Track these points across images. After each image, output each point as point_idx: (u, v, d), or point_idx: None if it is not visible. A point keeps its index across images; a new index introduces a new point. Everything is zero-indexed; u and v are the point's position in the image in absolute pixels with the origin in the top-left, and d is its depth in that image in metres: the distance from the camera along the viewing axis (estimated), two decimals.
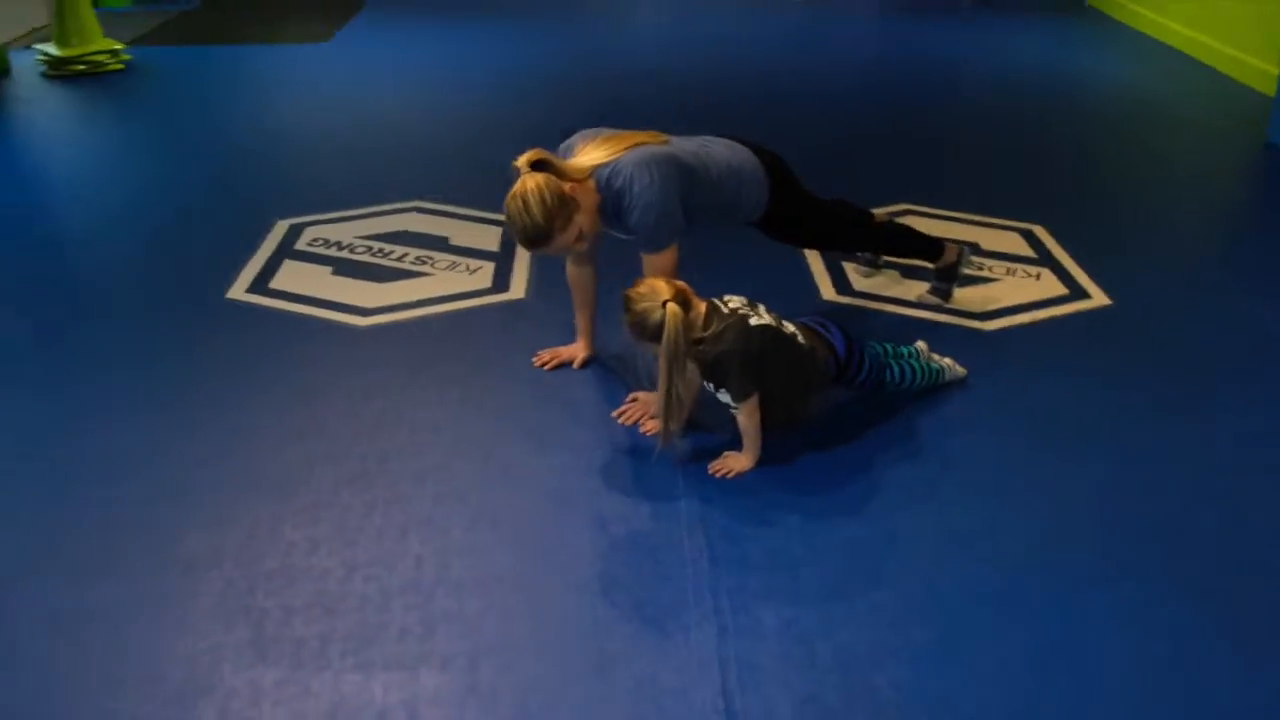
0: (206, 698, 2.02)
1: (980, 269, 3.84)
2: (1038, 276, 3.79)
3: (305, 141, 5.14)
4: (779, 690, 2.07)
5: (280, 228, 4.07)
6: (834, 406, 2.96)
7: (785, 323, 2.75)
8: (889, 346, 3.01)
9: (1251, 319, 3.48)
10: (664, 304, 2.55)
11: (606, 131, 2.92)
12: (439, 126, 5.26)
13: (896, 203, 4.38)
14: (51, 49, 6.14)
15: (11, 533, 2.46)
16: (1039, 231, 4.14)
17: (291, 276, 3.68)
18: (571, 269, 3.12)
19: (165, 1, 7.96)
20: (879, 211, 4.06)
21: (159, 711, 2.00)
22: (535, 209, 2.66)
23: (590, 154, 2.84)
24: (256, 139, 5.11)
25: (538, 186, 2.66)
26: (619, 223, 2.87)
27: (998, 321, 3.48)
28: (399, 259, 3.83)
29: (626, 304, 2.61)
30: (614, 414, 2.93)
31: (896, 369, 2.94)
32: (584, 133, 2.94)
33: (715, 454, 2.75)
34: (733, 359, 2.59)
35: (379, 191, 4.41)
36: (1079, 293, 3.68)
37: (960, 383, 3.10)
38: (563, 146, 2.93)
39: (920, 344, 3.12)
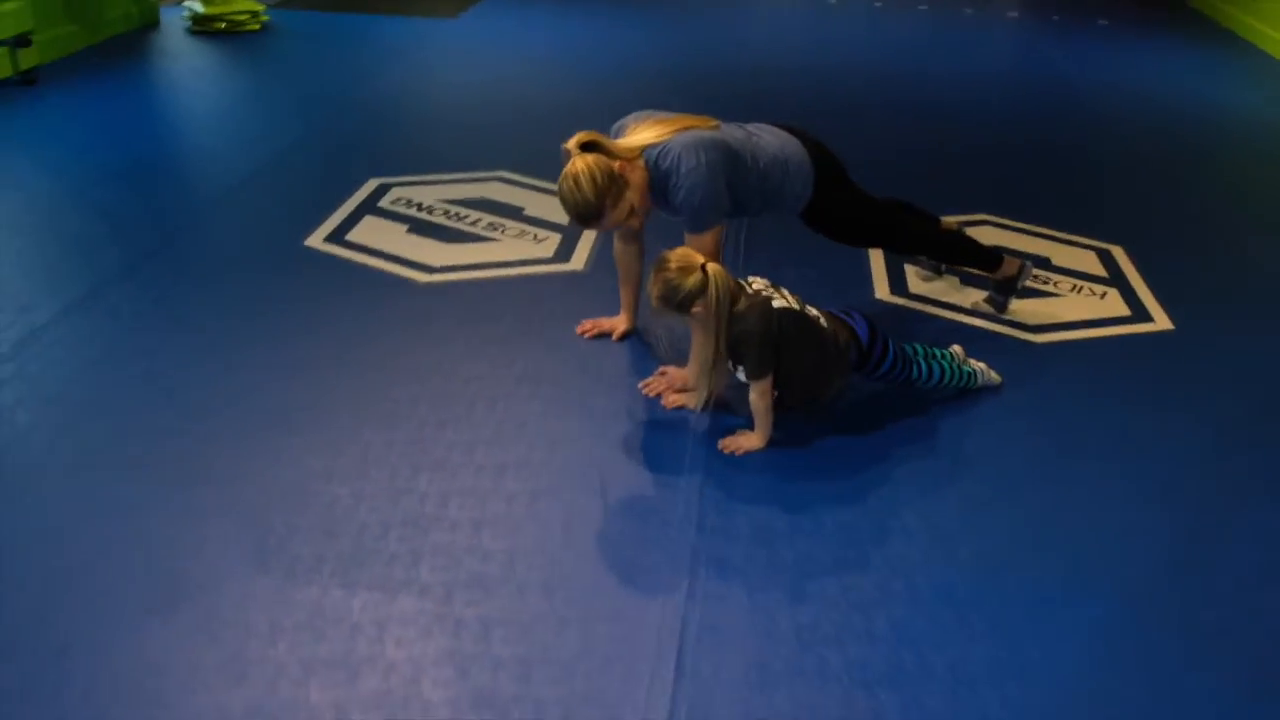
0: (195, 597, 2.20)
1: (1046, 283, 3.79)
2: (1103, 296, 3.73)
3: (412, 108, 5.36)
4: (732, 654, 2.13)
5: (370, 185, 4.27)
6: (861, 397, 2.99)
7: (809, 308, 2.79)
8: (921, 347, 3.02)
9: None
10: (703, 267, 2.62)
11: (658, 114, 3.00)
12: (541, 104, 5.40)
13: (976, 212, 4.34)
14: (197, 6, 6.51)
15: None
16: (1117, 253, 4.05)
17: (369, 231, 3.87)
18: (618, 245, 3.21)
19: None
20: (955, 219, 4.03)
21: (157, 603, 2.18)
22: (586, 187, 2.75)
23: (641, 134, 2.93)
24: (368, 101, 5.34)
25: (588, 166, 2.76)
26: (665, 202, 2.95)
27: (1050, 335, 3.44)
28: (472, 223, 3.99)
29: (659, 267, 2.65)
30: (640, 385, 3.01)
31: (925, 367, 2.95)
32: (637, 114, 3.03)
33: (733, 433, 2.81)
34: (753, 337, 2.65)
35: (470, 160, 4.58)
36: (1142, 315, 3.61)
37: (995, 389, 3.09)
38: (615, 127, 3.02)
39: (956, 348, 3.11)
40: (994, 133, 5.43)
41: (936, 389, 3.00)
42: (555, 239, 3.89)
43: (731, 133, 3.00)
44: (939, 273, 3.79)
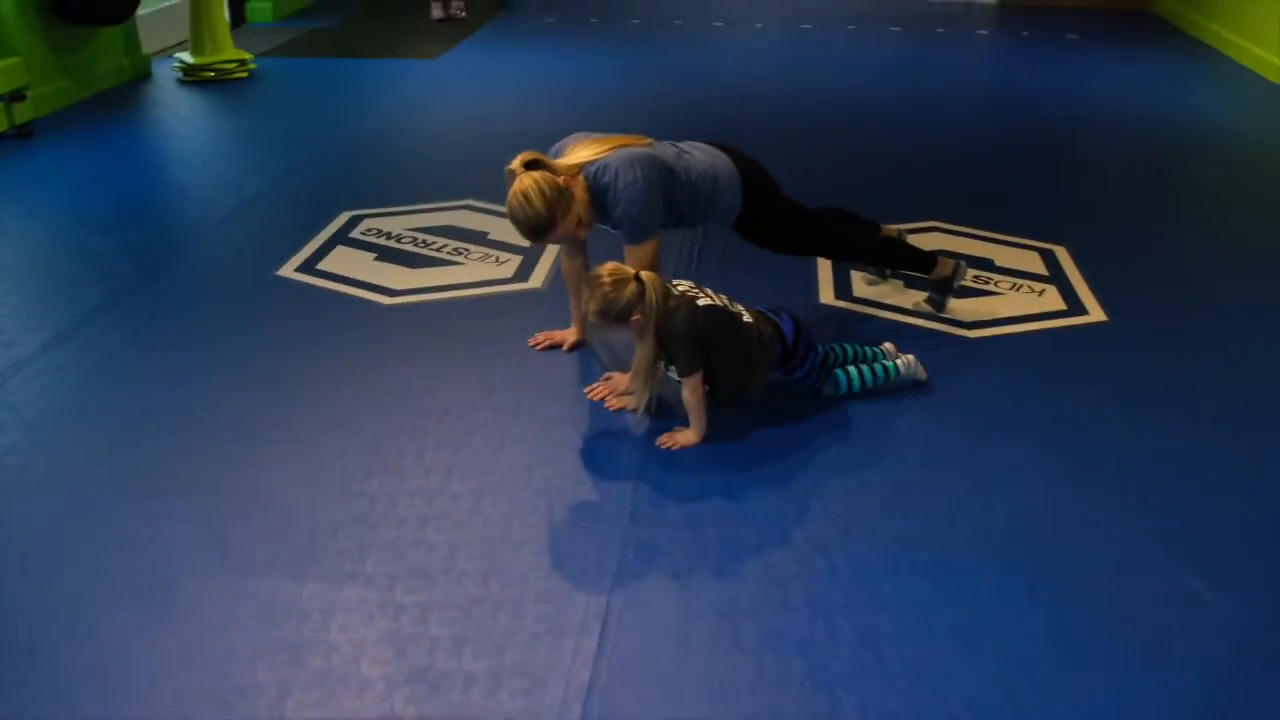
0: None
1: (987, 283, 3.94)
2: (1041, 293, 3.88)
3: (387, 145, 5.57)
4: (654, 627, 2.28)
5: (342, 218, 4.47)
6: (795, 390, 3.15)
7: (736, 305, 2.96)
8: (852, 347, 3.18)
9: (1242, 350, 3.50)
10: (636, 276, 2.80)
11: (594, 135, 3.18)
12: (511, 136, 5.53)
13: (926, 219, 4.50)
14: (186, 56, 6.77)
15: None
16: (1060, 253, 4.21)
17: (338, 260, 4.06)
18: (565, 262, 3.39)
19: (302, 19, 8.61)
20: (901, 227, 4.19)
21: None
22: (536, 201, 2.92)
23: (579, 153, 3.11)
24: (346, 140, 5.55)
25: (535, 182, 2.94)
26: (604, 216, 3.12)
27: (984, 330, 3.59)
28: (438, 249, 4.18)
29: (593, 285, 2.82)
30: (585, 390, 3.17)
31: (843, 379, 3.11)
32: (573, 135, 3.21)
33: (671, 431, 2.97)
34: (680, 335, 2.81)
35: (439, 190, 4.77)
36: (1077, 309, 3.76)
37: (923, 384, 3.23)
38: (554, 148, 3.20)
39: (887, 345, 3.27)
40: (956, 146, 5.59)
41: (848, 395, 3.14)
42: (516, 260, 4.07)
43: (664, 149, 3.18)
44: (883, 277, 3.95)
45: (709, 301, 2.88)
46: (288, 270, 3.97)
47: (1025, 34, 8.34)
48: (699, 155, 3.24)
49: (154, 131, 5.85)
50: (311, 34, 8.15)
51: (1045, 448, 2.94)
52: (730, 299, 3.00)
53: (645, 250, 3.09)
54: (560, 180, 2.97)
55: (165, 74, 6.86)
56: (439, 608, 2.33)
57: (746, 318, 2.95)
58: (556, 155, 3.17)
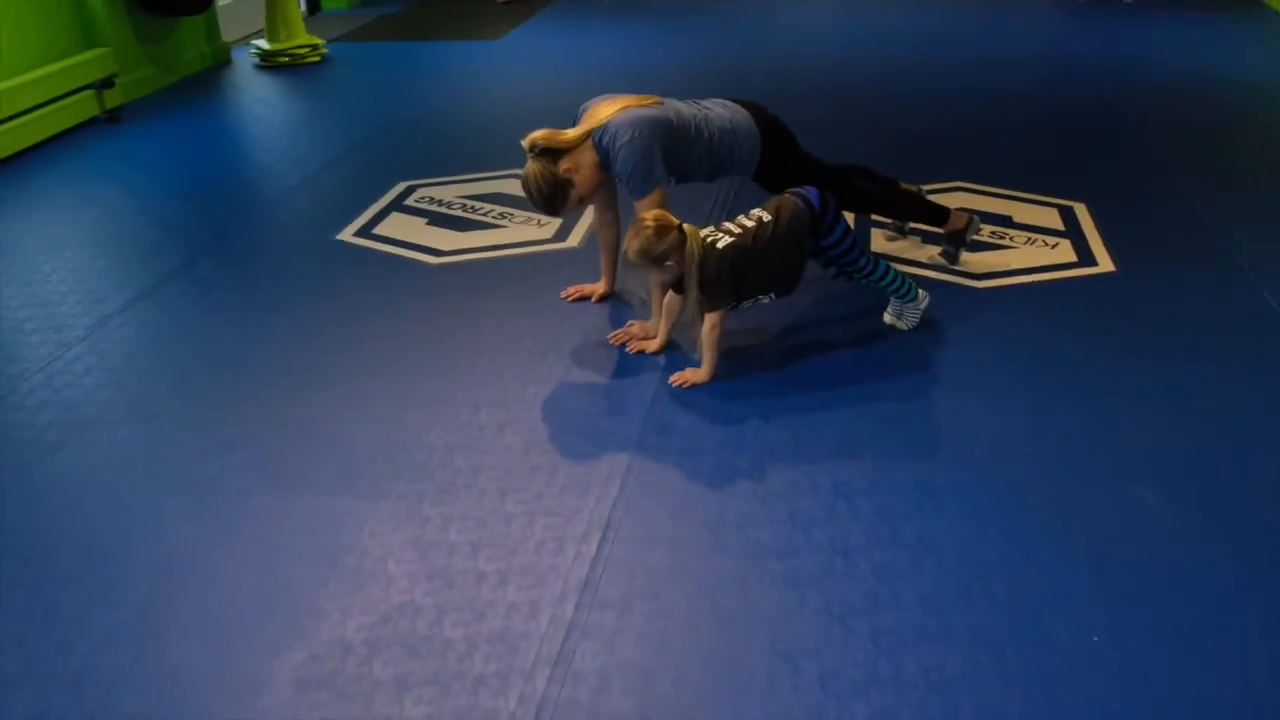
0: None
1: (1003, 239, 4.11)
2: (1054, 246, 4.04)
3: (446, 120, 5.89)
4: (647, 533, 2.55)
5: (399, 187, 4.80)
6: (800, 334, 3.38)
7: (753, 214, 3.19)
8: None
9: (1246, 300, 3.62)
10: (679, 226, 3.06)
11: (611, 96, 3.46)
12: (562, 110, 5.84)
13: (951, 180, 4.67)
14: (263, 43, 7.18)
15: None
16: (1079, 209, 4.35)
17: (393, 225, 4.39)
18: (596, 217, 3.67)
19: (374, 6, 9.00)
20: (930, 186, 4.40)
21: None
22: (535, 194, 3.33)
23: (596, 114, 3.39)
24: (408, 116, 5.89)
25: (535, 176, 3.29)
26: (612, 173, 3.39)
27: (992, 281, 3.77)
28: (484, 214, 4.48)
29: (637, 228, 3.09)
30: (609, 336, 3.44)
31: (871, 260, 3.31)
32: (595, 98, 3.49)
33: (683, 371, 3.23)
34: (709, 279, 3.07)
35: (492, 161, 5.07)
36: (1087, 261, 3.91)
37: (924, 319, 3.44)
38: (582, 108, 3.48)
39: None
40: (994, 110, 5.73)
41: (878, 284, 3.34)
42: (556, 223, 4.35)
43: (676, 108, 3.44)
44: (902, 232, 4.15)
45: (727, 240, 3.12)
46: (346, 234, 4.31)
47: (1080, 0, 8.35)
48: (719, 110, 3.49)
49: (231, 113, 6.25)
50: (381, 19, 8.53)
51: (1032, 383, 3.14)
52: (747, 212, 3.23)
53: (649, 204, 3.34)
54: (561, 168, 3.28)
55: (244, 61, 7.28)
56: (459, 519, 2.63)
57: (766, 218, 3.16)
58: (579, 117, 3.45)
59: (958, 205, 4.11)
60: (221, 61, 7.25)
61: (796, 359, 3.31)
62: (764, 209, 3.21)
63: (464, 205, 4.58)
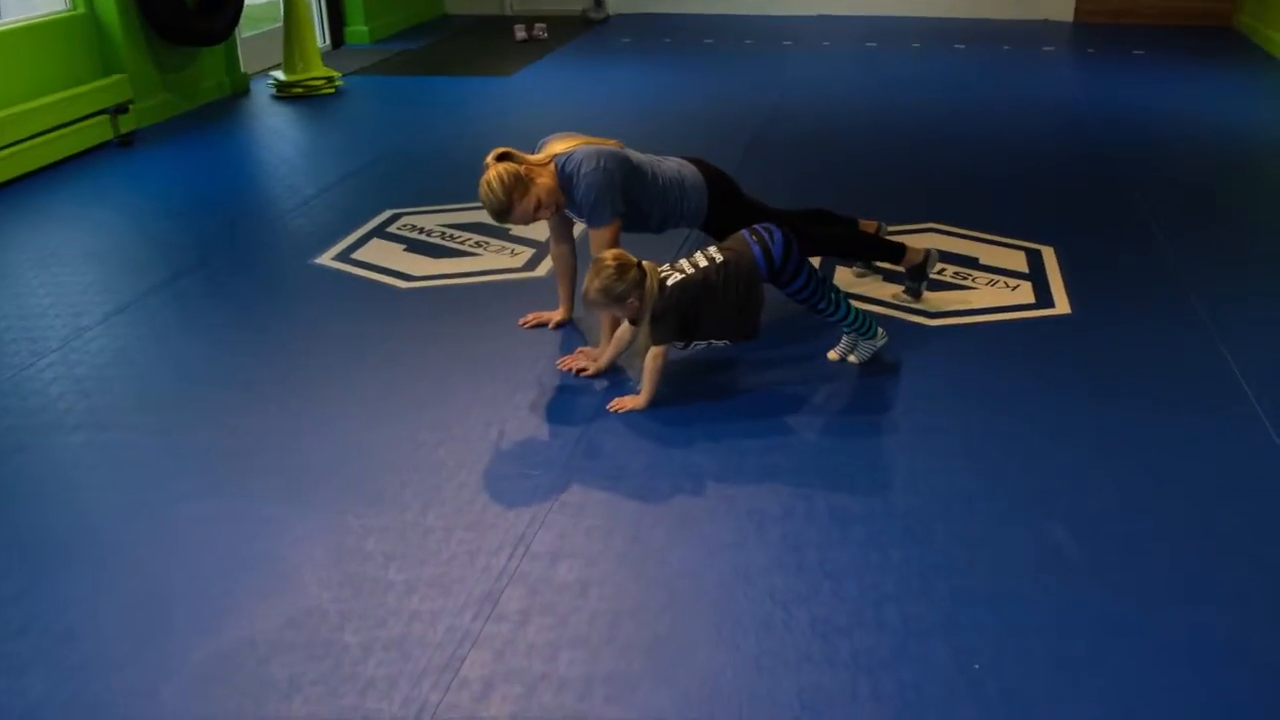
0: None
1: (965, 279, 4.16)
2: (1014, 288, 4.08)
3: (444, 150, 6.04)
4: (557, 551, 2.61)
5: (384, 214, 4.93)
6: (746, 365, 3.45)
7: (710, 252, 3.25)
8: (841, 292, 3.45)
9: (1197, 349, 3.63)
10: (639, 264, 3.15)
11: (572, 133, 3.57)
12: None
13: (924, 221, 4.73)
14: (280, 74, 7.40)
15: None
16: (1046, 253, 4.39)
17: (371, 250, 4.52)
18: (554, 247, 3.76)
19: (396, 41, 9.24)
20: (902, 227, 4.47)
21: None
22: (496, 188, 3.34)
23: (554, 147, 3.50)
24: (406, 146, 6.05)
25: (498, 172, 3.35)
26: (571, 201, 3.48)
27: (946, 320, 3.82)
28: (462, 242, 4.59)
29: (598, 267, 3.15)
30: (558, 362, 3.52)
31: (834, 300, 3.34)
32: (554, 134, 3.60)
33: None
34: (656, 314, 3.15)
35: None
36: (1045, 303, 3.95)
37: (875, 355, 3.49)
38: (539, 144, 3.59)
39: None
40: (983, 154, 5.79)
41: (840, 323, 3.40)
42: (529, 253, 4.46)
43: (633, 152, 3.54)
44: (871, 269, 4.19)
45: (677, 277, 3.19)
46: (325, 258, 4.44)
47: (1091, 50, 8.42)
48: (669, 163, 3.62)
49: (240, 141, 6.44)
50: (400, 54, 8.75)
51: (966, 419, 3.18)
52: (704, 247, 3.31)
53: (605, 234, 3.43)
54: (521, 169, 3.35)
55: (261, 91, 7.49)
56: (379, 530, 2.71)
57: (720, 259, 3.21)
58: (538, 149, 3.55)
59: (927, 245, 4.16)
60: (240, 91, 7.48)
61: (738, 388, 3.38)
62: (720, 249, 3.28)
63: (443, 233, 4.70)
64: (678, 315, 3.17)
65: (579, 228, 3.70)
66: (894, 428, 3.15)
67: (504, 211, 3.38)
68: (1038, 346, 3.63)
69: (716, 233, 3.69)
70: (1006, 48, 8.56)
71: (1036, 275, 4.19)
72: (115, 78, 6.24)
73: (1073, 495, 2.82)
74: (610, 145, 3.50)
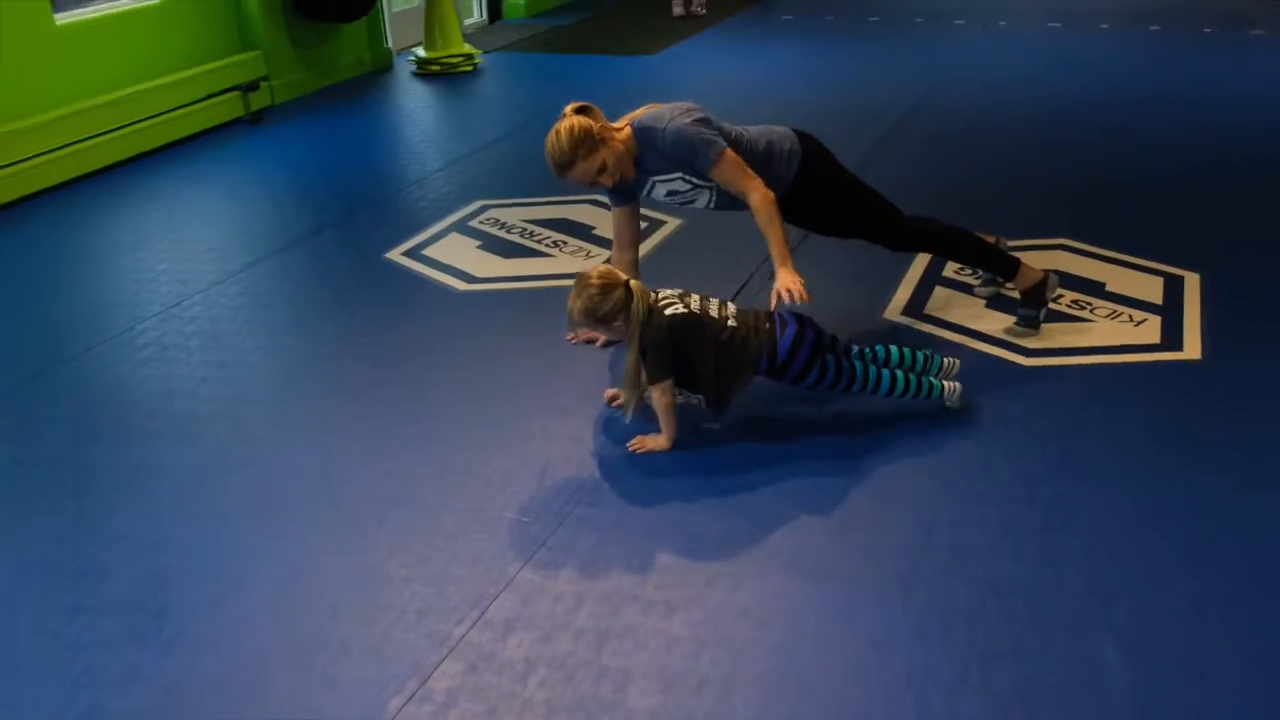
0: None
1: (1084, 309, 3.62)
2: (1139, 324, 3.51)
3: None
4: (568, 570, 2.40)
5: (473, 205, 4.74)
6: (783, 402, 3.08)
7: (726, 308, 2.92)
8: (901, 351, 3.04)
9: None
10: (626, 284, 2.84)
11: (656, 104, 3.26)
12: None
13: (1056, 236, 4.18)
14: (420, 51, 7.33)
15: None
16: (1190, 280, 3.78)
17: (444, 246, 4.34)
18: (616, 254, 3.45)
19: (554, 15, 9.07)
20: (1030, 242, 3.98)
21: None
22: (565, 139, 3.07)
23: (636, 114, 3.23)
24: (521, 130, 5.83)
25: (570, 125, 3.08)
26: (654, 158, 3.17)
27: (1043, 359, 3.32)
28: (539, 240, 4.35)
29: (581, 285, 2.87)
30: (606, 393, 3.21)
31: (871, 376, 2.95)
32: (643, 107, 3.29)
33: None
34: (649, 344, 2.82)
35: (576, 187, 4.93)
36: (1173, 344, 3.38)
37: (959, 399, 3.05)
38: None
39: (951, 360, 3.11)
40: (1146, 156, 5.12)
41: (888, 397, 3.00)
42: (604, 254, 4.16)
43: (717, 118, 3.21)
44: (999, 285, 3.69)
45: (682, 310, 2.86)
46: (396, 253, 4.29)
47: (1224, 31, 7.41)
48: (755, 129, 3.28)
49: (367, 119, 6.38)
50: (551, 30, 8.57)
51: (1030, 479, 2.72)
52: (722, 302, 2.96)
53: (727, 164, 3.10)
54: (595, 126, 3.08)
55: (404, 68, 7.45)
56: (337, 572, 2.50)
57: (731, 322, 2.89)
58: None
59: (1050, 267, 3.63)
60: (382, 68, 7.45)
61: (777, 432, 3.00)
62: (738, 314, 2.94)
63: (524, 230, 4.47)
64: (670, 350, 2.84)
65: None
66: (931, 517, 2.70)
67: (566, 165, 3.11)
68: (1149, 397, 3.09)
69: (805, 212, 3.32)
70: (1208, 30, 7.65)
71: (1170, 308, 3.60)
72: (249, 54, 6.29)
73: (1138, 594, 2.33)
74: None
